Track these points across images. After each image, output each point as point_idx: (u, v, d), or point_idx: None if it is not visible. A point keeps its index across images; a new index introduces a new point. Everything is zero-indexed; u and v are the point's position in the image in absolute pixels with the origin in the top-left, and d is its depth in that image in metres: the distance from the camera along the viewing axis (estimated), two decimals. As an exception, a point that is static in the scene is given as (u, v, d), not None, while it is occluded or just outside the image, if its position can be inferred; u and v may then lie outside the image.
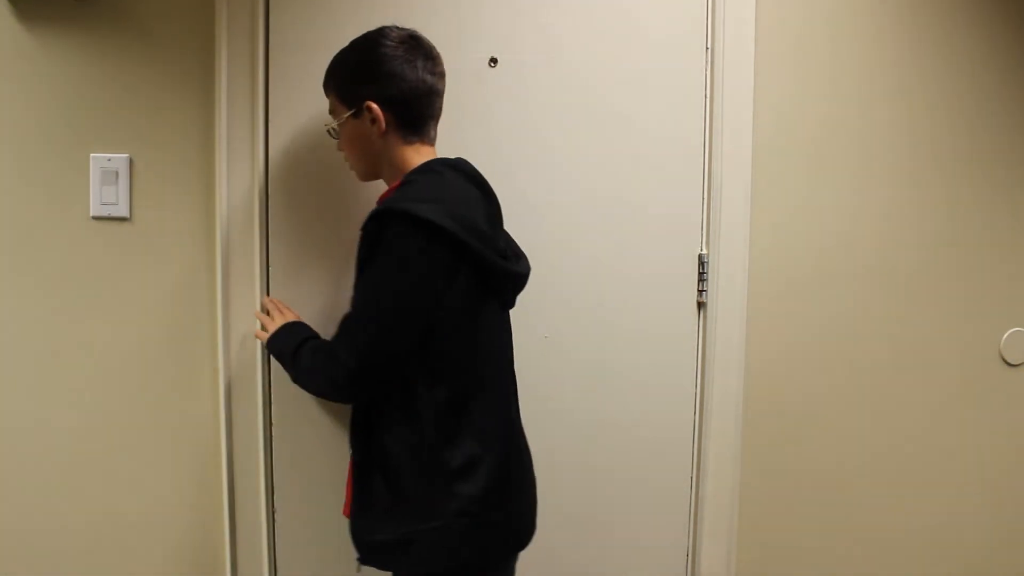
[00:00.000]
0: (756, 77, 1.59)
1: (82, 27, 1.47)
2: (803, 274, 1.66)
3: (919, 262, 1.70)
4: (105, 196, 1.49)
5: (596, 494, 1.61)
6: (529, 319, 1.53)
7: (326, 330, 1.48)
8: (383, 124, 1.23)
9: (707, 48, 1.58)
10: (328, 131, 1.32)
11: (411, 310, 1.14)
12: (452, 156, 1.30)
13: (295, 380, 1.28)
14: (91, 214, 1.50)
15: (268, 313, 1.44)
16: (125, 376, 1.52)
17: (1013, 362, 1.76)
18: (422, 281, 1.13)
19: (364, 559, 1.25)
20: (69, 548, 1.55)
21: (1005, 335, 1.75)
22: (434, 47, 1.27)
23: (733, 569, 1.67)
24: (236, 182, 1.48)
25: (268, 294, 1.51)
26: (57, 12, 1.46)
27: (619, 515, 1.63)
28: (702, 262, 1.61)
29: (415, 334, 1.15)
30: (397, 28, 1.27)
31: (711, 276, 1.60)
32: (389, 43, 1.24)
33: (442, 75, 1.28)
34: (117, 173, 1.49)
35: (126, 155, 1.49)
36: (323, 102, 1.48)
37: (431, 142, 1.29)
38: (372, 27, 1.49)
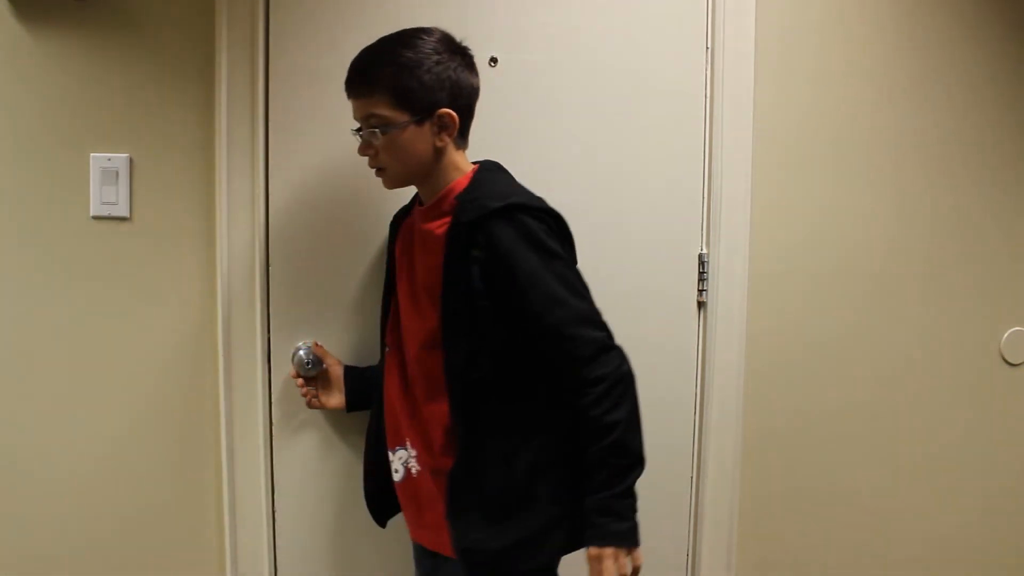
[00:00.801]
0: (756, 77, 1.59)
1: (82, 27, 1.47)
2: (803, 274, 1.66)
3: (919, 262, 1.70)
4: (105, 196, 1.49)
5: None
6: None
7: (328, 327, 1.49)
8: (454, 132, 1.24)
9: (707, 48, 1.58)
10: (361, 136, 1.24)
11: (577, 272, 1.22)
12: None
13: (633, 427, 1.19)
14: (91, 214, 1.49)
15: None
16: (125, 375, 1.52)
17: (1014, 361, 1.76)
18: (564, 251, 1.21)
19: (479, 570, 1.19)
20: (68, 548, 1.55)
21: (1006, 334, 1.75)
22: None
23: (734, 568, 1.67)
24: (236, 180, 1.48)
25: (269, 292, 1.51)
26: (57, 12, 1.46)
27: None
28: (702, 262, 1.61)
29: None
30: (434, 31, 1.25)
31: (711, 276, 1.60)
32: (443, 48, 1.23)
33: None
34: (117, 173, 1.49)
35: (126, 155, 1.49)
36: (324, 102, 1.48)
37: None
38: (373, 27, 1.49)
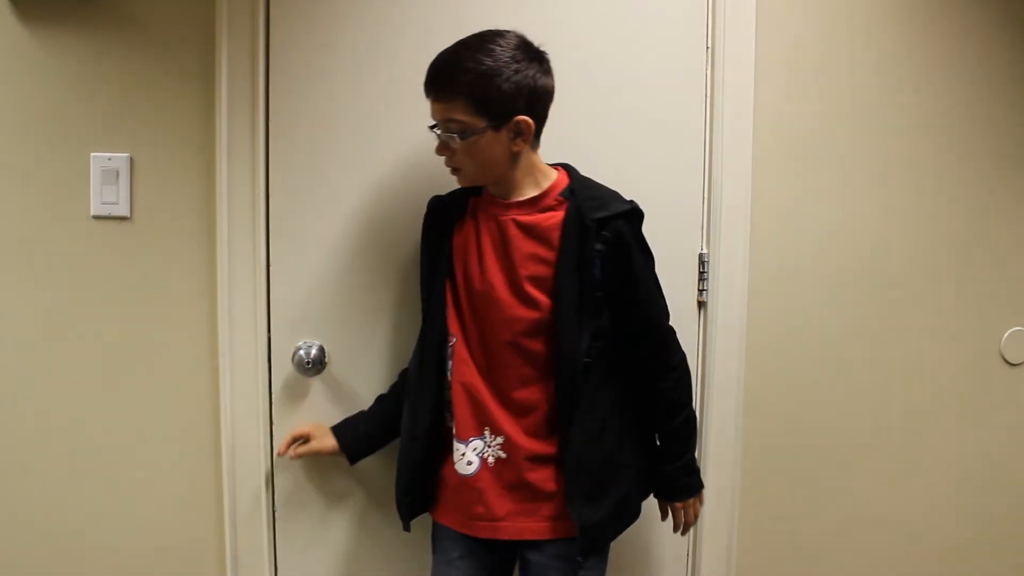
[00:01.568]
0: (756, 76, 1.59)
1: (83, 26, 1.47)
2: (803, 274, 1.66)
3: (919, 261, 1.70)
4: (106, 195, 1.49)
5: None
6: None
7: (329, 326, 1.49)
8: (530, 138, 1.29)
9: (707, 47, 1.58)
10: (439, 137, 1.28)
11: None
12: None
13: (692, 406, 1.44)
14: (92, 213, 1.49)
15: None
16: (125, 375, 1.52)
17: (1014, 361, 1.76)
18: None
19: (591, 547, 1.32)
20: (67, 546, 1.55)
21: (1006, 334, 1.75)
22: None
23: (733, 566, 1.67)
24: (237, 180, 1.48)
25: (269, 291, 1.51)
26: (58, 11, 1.46)
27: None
28: (702, 261, 1.61)
29: None
30: (511, 34, 1.28)
31: (711, 275, 1.60)
32: (521, 55, 1.26)
33: None
34: (117, 172, 1.49)
35: (126, 154, 1.49)
36: (325, 101, 1.49)
37: None
38: (373, 26, 1.50)
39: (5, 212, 1.49)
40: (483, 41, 1.26)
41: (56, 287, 1.50)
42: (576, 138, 1.55)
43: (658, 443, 1.42)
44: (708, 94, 1.59)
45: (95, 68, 1.48)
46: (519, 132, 1.27)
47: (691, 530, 1.63)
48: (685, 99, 1.59)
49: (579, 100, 1.55)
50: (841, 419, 1.70)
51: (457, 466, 1.32)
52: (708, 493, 1.62)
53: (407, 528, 1.38)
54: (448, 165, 1.31)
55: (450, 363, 1.33)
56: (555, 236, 1.28)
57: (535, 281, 1.29)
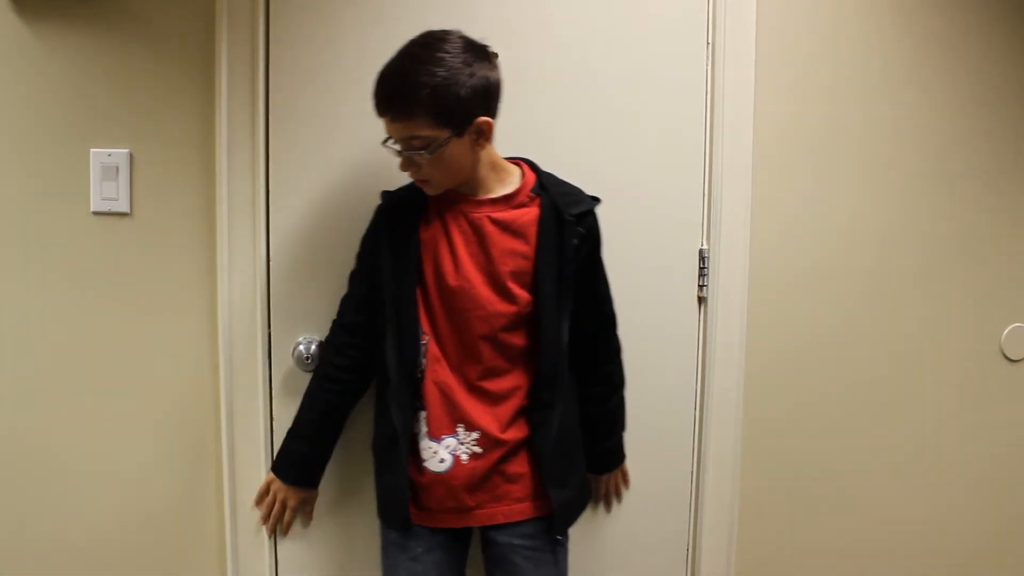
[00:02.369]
0: (757, 72, 1.59)
1: (82, 22, 1.46)
2: (804, 269, 1.66)
3: (920, 258, 1.70)
4: (105, 191, 1.49)
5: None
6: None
7: (327, 322, 1.48)
8: (491, 136, 1.29)
9: (708, 43, 1.58)
10: (402, 155, 1.26)
11: None
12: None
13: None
14: (92, 209, 1.49)
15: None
16: (126, 370, 1.52)
17: (1014, 357, 1.76)
18: None
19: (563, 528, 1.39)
20: (66, 545, 1.55)
21: (1006, 331, 1.75)
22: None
23: (733, 563, 1.67)
24: (237, 176, 1.48)
25: (270, 287, 1.51)
26: (57, 7, 1.45)
27: (619, 509, 1.63)
28: (703, 257, 1.61)
29: None
30: (452, 35, 1.25)
31: (712, 271, 1.60)
32: (470, 57, 1.24)
33: None
34: (117, 168, 1.49)
35: (126, 150, 1.49)
36: (325, 97, 1.48)
37: None
38: (373, 22, 1.50)
39: (5, 208, 1.49)
40: (429, 50, 1.22)
41: (56, 283, 1.50)
42: (576, 133, 1.56)
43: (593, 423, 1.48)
44: (709, 90, 1.59)
45: (94, 64, 1.47)
46: (480, 133, 1.27)
47: (691, 524, 1.65)
48: (686, 95, 1.58)
49: (579, 95, 1.55)
50: (841, 414, 1.70)
51: (428, 464, 1.32)
52: (709, 486, 1.64)
53: (407, 525, 1.35)
54: (415, 178, 1.30)
55: (424, 362, 1.33)
56: (532, 231, 1.32)
57: (515, 276, 1.31)
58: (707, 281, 1.61)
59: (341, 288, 1.47)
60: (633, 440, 1.61)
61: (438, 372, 1.33)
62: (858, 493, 1.73)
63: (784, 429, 1.68)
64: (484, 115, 1.26)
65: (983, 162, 1.70)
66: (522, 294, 1.32)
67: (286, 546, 1.56)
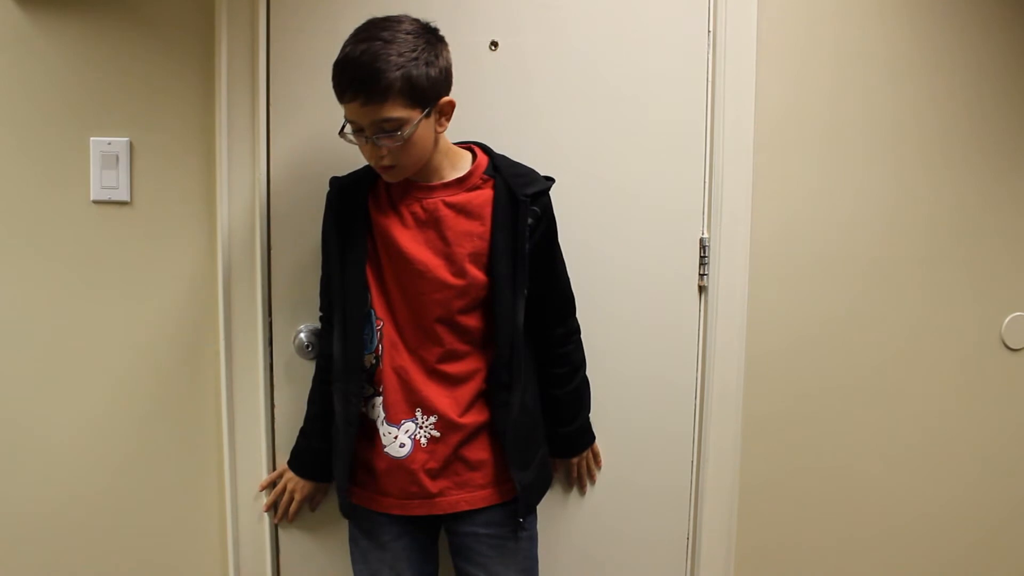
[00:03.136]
0: (758, 60, 1.58)
1: (82, 10, 1.46)
2: (804, 258, 1.66)
3: (921, 246, 1.70)
4: (105, 180, 1.49)
5: (596, 480, 1.62)
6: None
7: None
8: (451, 116, 1.30)
9: (709, 31, 1.58)
10: (371, 140, 1.24)
11: None
12: (452, 140, 1.37)
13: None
14: (92, 198, 1.50)
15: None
16: (126, 359, 1.52)
17: (1014, 347, 1.76)
18: None
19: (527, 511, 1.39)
20: (64, 532, 1.55)
21: (1006, 320, 1.75)
22: None
23: (733, 554, 1.67)
24: (237, 163, 1.48)
25: (270, 275, 1.51)
26: (57, -5, 1.45)
27: (619, 501, 1.63)
28: (703, 246, 1.61)
29: None
30: (403, 19, 1.26)
31: (712, 260, 1.60)
32: (429, 36, 1.25)
33: None
34: (117, 157, 1.49)
35: (126, 138, 1.49)
36: (325, 85, 1.46)
37: None
38: (375, 10, 1.49)
39: (5, 197, 1.49)
40: (392, 32, 1.22)
41: (56, 271, 1.50)
42: (577, 122, 1.55)
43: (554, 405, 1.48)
44: (709, 78, 1.58)
45: (94, 52, 1.47)
46: (442, 113, 1.28)
47: (691, 513, 1.65)
48: (686, 83, 1.58)
49: (580, 83, 1.55)
50: (842, 403, 1.70)
51: (388, 449, 1.32)
52: (710, 476, 1.64)
53: (352, 515, 1.38)
54: (379, 165, 1.27)
55: (380, 347, 1.33)
56: (487, 212, 1.32)
57: (473, 258, 1.32)
58: (708, 270, 1.60)
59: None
60: (632, 431, 1.62)
61: (395, 357, 1.33)
62: (858, 481, 1.73)
63: (784, 418, 1.68)
64: (446, 95, 1.27)
65: (985, 151, 1.70)
66: (478, 275, 1.32)
67: (287, 534, 1.56)
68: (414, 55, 1.21)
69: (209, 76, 1.48)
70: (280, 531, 1.56)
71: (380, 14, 1.47)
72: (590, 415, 1.54)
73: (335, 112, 1.48)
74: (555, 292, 1.44)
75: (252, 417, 1.52)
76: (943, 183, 1.69)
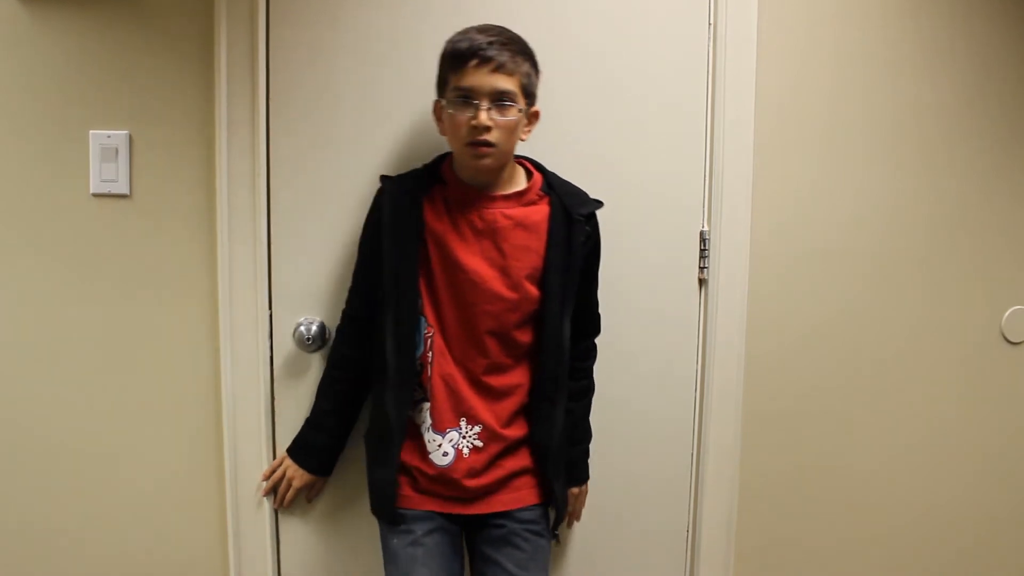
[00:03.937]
0: (759, 53, 1.58)
1: (81, 3, 1.46)
2: (805, 251, 1.66)
3: (921, 240, 1.70)
4: (105, 173, 1.49)
5: (594, 472, 1.61)
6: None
7: (330, 302, 1.49)
8: (533, 127, 1.36)
9: (710, 24, 1.57)
10: (493, 107, 1.24)
11: None
12: None
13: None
14: (91, 191, 1.49)
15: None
16: (126, 352, 1.52)
17: (1014, 340, 1.76)
18: None
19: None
20: (63, 525, 1.55)
21: (1006, 313, 1.75)
22: None
23: (733, 547, 1.67)
24: (237, 157, 1.47)
25: (271, 267, 1.50)
26: (56, -12, 1.45)
27: (619, 492, 1.63)
28: (704, 239, 1.61)
29: None
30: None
31: (712, 253, 1.60)
32: None
33: None
34: (117, 150, 1.48)
35: (126, 132, 1.49)
36: (325, 77, 1.48)
37: None
38: (375, 2, 1.49)
39: (5, 191, 1.49)
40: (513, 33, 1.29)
41: (56, 265, 1.50)
42: (576, 115, 1.55)
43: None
44: (710, 70, 1.58)
45: (93, 45, 1.47)
46: (531, 119, 1.33)
47: (691, 505, 1.65)
48: (687, 76, 1.58)
49: (578, 74, 1.54)
50: (842, 396, 1.70)
51: (432, 456, 1.33)
52: (710, 469, 1.64)
53: (397, 520, 1.35)
54: (483, 139, 1.25)
55: (430, 355, 1.34)
56: (544, 229, 1.34)
57: (528, 272, 1.33)
58: (708, 263, 1.60)
59: (342, 268, 1.47)
60: (632, 424, 1.62)
61: (443, 365, 1.33)
62: (858, 474, 1.73)
63: (784, 410, 1.68)
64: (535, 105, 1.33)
65: (985, 146, 1.70)
66: (532, 289, 1.33)
67: (287, 526, 1.56)
68: (533, 56, 1.31)
69: (208, 68, 1.47)
70: (280, 524, 1.55)
71: (378, 7, 1.49)
72: (590, 415, 1.52)
73: (336, 102, 1.49)
74: (588, 309, 1.46)
75: (253, 409, 1.52)
76: (943, 178, 1.69)
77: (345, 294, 1.46)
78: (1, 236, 1.49)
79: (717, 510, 1.65)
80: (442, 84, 1.31)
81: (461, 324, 1.33)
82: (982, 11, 1.66)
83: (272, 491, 1.51)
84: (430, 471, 1.34)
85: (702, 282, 1.62)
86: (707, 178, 1.60)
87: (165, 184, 1.50)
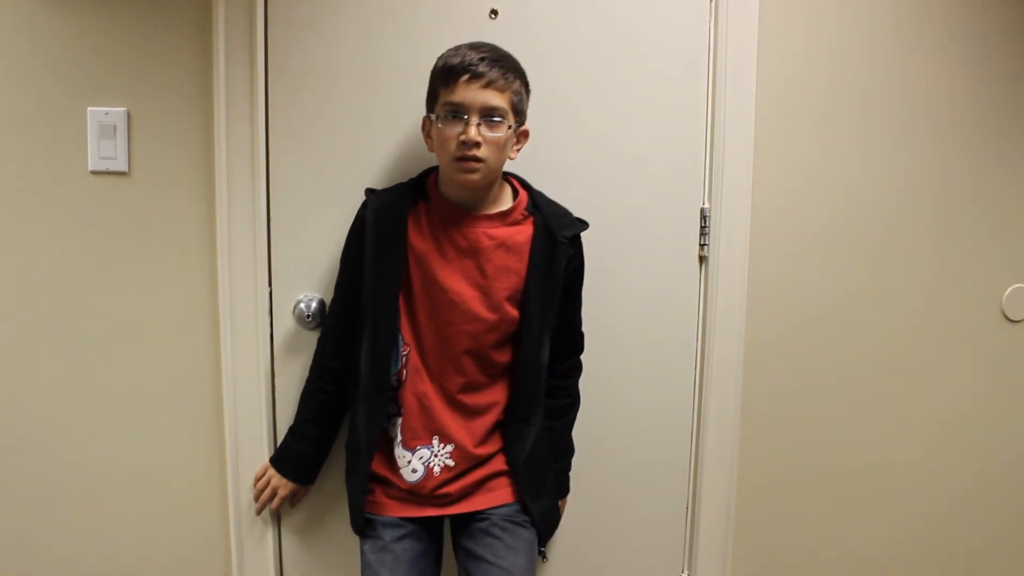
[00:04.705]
0: (761, 31, 1.57)
1: (78, -22, 1.45)
2: (805, 229, 1.65)
3: (921, 219, 1.69)
4: (103, 150, 1.48)
5: (594, 453, 1.61)
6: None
7: (330, 279, 1.48)
8: (522, 147, 1.36)
9: (710, 0, 1.56)
10: (484, 123, 1.24)
11: None
12: None
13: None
14: (89, 168, 1.49)
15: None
16: (124, 330, 1.52)
17: (1014, 318, 1.76)
18: None
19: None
20: (64, 511, 1.56)
21: (1007, 291, 1.75)
22: None
23: (732, 525, 1.68)
24: (235, 134, 1.47)
25: (270, 244, 1.50)
26: (53, -37, 1.44)
27: (618, 469, 1.64)
28: (704, 216, 1.60)
29: None
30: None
31: (713, 230, 1.59)
32: None
33: None
34: (115, 127, 1.48)
35: (123, 108, 1.48)
36: (323, 53, 1.47)
37: None
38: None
39: (3, 168, 1.48)
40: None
41: (54, 242, 1.50)
42: (576, 92, 1.54)
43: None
44: (711, 47, 1.57)
45: (91, 22, 1.46)
46: (519, 138, 1.34)
47: (691, 482, 1.65)
48: (688, 52, 1.57)
49: (580, 54, 1.53)
50: (842, 373, 1.70)
51: (402, 472, 1.34)
52: (710, 447, 1.64)
53: (366, 527, 1.35)
54: (472, 155, 1.24)
55: (405, 372, 1.33)
56: (526, 251, 1.33)
57: (509, 294, 1.33)
58: (708, 240, 1.60)
59: (341, 245, 1.46)
60: (631, 400, 1.62)
61: (418, 383, 1.33)
62: (859, 452, 1.73)
63: (785, 388, 1.69)
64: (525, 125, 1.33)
65: (986, 126, 1.69)
66: (511, 311, 1.33)
67: (290, 542, 1.57)
68: (525, 75, 1.32)
69: (207, 45, 1.47)
70: (283, 517, 1.56)
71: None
72: (585, 415, 1.53)
73: (335, 76, 1.48)
74: (571, 328, 1.45)
75: (253, 387, 1.52)
76: (944, 155, 1.68)
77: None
78: (0, 213, 1.49)
79: (717, 486, 1.65)
80: (432, 99, 1.30)
81: (438, 342, 1.33)
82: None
83: (258, 505, 1.53)
84: (401, 484, 1.34)
85: (702, 259, 1.62)
86: (708, 155, 1.59)
87: (164, 161, 1.49)
